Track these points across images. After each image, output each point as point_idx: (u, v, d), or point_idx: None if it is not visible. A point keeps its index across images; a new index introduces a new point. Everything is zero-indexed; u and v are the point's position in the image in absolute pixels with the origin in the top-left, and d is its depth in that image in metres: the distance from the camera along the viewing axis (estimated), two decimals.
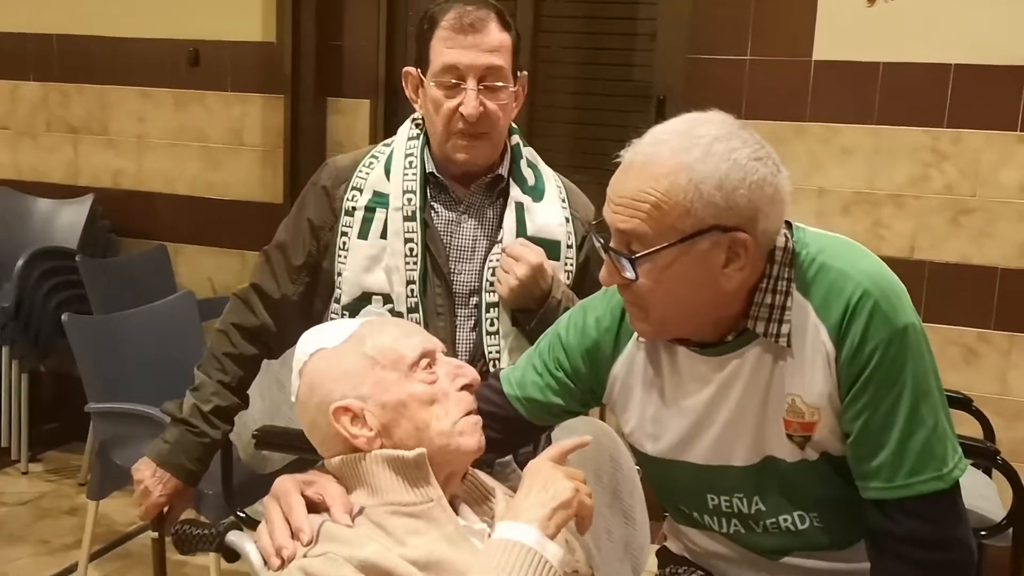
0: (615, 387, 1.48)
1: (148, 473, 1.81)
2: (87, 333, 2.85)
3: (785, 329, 1.31)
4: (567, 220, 1.82)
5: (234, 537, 1.45)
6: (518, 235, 1.76)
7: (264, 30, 3.86)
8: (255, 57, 3.89)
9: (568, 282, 1.80)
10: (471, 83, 1.69)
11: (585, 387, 1.52)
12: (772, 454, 1.36)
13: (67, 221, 4.04)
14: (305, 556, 1.19)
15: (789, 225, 1.35)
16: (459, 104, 1.69)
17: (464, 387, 1.33)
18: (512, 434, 1.55)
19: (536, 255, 1.72)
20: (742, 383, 1.35)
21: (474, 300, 1.77)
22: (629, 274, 1.26)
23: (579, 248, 1.84)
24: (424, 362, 1.31)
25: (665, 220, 1.22)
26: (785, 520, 1.39)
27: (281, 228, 1.87)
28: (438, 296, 1.76)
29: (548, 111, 3.70)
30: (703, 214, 1.21)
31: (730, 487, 1.41)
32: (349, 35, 3.81)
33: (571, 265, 1.81)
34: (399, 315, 1.73)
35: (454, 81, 1.70)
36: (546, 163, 1.90)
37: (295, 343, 1.94)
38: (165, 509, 1.84)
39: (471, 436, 1.30)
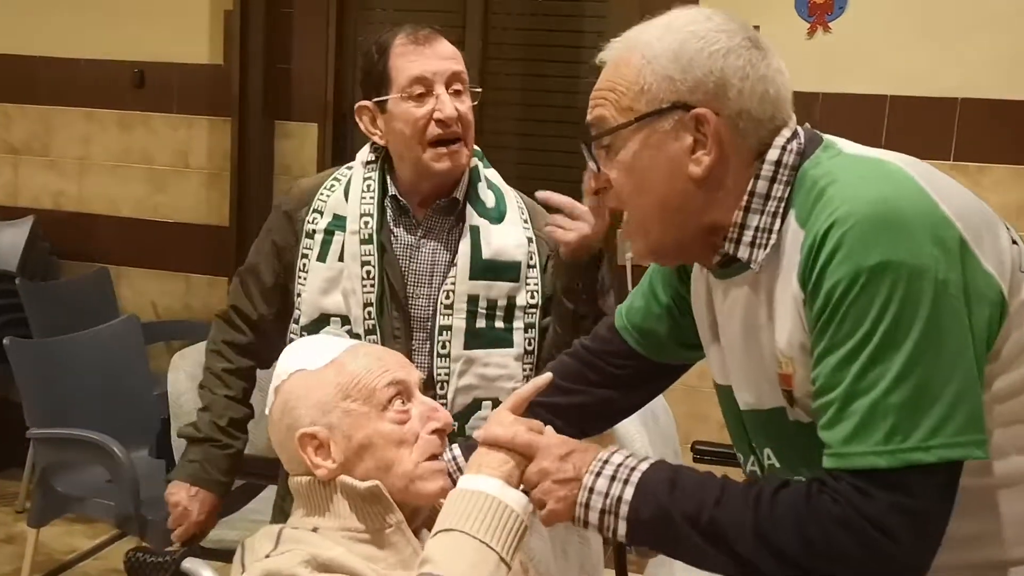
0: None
1: (184, 495, 1.84)
2: (30, 357, 2.80)
3: (761, 255, 1.14)
4: (529, 240, 1.83)
5: (189, 564, 1.44)
6: (473, 259, 1.77)
7: (211, 52, 3.85)
8: (202, 79, 3.87)
9: (534, 301, 1.81)
10: (440, 88, 1.73)
11: (683, 313, 1.41)
12: (778, 404, 1.19)
13: (6, 243, 3.95)
14: (267, 557, 1.19)
15: (813, 142, 1.17)
16: (431, 111, 1.72)
17: (435, 431, 1.31)
18: (626, 374, 1.48)
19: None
20: (739, 316, 1.21)
21: (430, 324, 1.78)
22: (594, 165, 1.21)
23: (543, 269, 1.84)
24: (398, 401, 1.29)
25: (622, 102, 1.17)
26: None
27: (252, 251, 1.91)
28: (395, 320, 1.77)
29: (496, 136, 3.73)
30: (659, 90, 1.14)
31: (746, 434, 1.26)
32: (298, 59, 3.81)
33: (534, 285, 1.82)
34: (357, 337, 1.74)
35: (423, 90, 1.73)
36: None
37: (276, 356, 1.96)
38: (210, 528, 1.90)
39: (432, 482, 1.28)
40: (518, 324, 1.80)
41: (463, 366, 1.76)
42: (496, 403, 1.78)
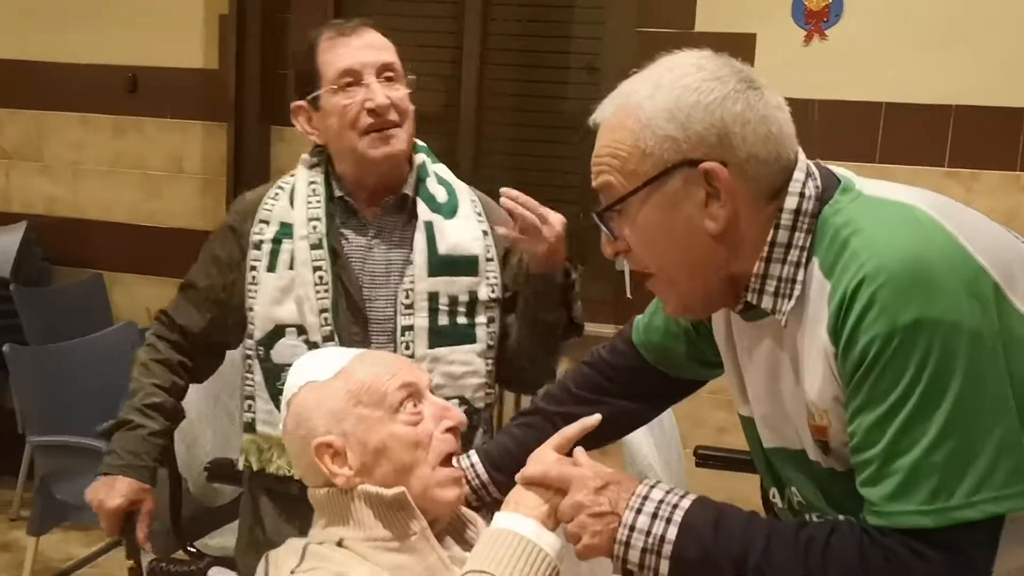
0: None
1: (98, 486, 1.77)
2: (29, 364, 2.79)
3: (787, 305, 1.14)
4: (484, 233, 1.80)
5: (216, 574, 1.43)
6: (429, 256, 1.75)
7: (206, 57, 3.84)
8: (196, 84, 3.85)
9: (495, 295, 1.79)
10: (370, 78, 1.71)
11: (701, 334, 1.41)
12: (802, 448, 1.20)
13: None
14: (292, 573, 1.19)
15: (831, 183, 1.16)
16: (362, 100, 1.70)
17: (448, 429, 1.31)
18: (645, 388, 1.48)
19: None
20: (762, 360, 1.21)
21: (390, 325, 1.76)
22: (608, 234, 1.19)
23: (502, 262, 1.82)
24: (409, 404, 1.30)
25: (626, 167, 1.14)
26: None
27: (193, 266, 1.89)
28: (352, 324, 1.74)
29: (493, 142, 3.74)
30: (661, 151, 1.12)
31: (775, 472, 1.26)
32: (294, 63, 3.80)
33: (494, 278, 1.80)
34: (314, 345, 1.71)
35: (351, 80, 1.71)
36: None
37: (210, 372, 1.93)
38: (142, 531, 1.79)
39: (448, 490, 1.29)
40: (480, 319, 1.78)
41: (429, 365, 1.73)
42: (462, 400, 1.75)
